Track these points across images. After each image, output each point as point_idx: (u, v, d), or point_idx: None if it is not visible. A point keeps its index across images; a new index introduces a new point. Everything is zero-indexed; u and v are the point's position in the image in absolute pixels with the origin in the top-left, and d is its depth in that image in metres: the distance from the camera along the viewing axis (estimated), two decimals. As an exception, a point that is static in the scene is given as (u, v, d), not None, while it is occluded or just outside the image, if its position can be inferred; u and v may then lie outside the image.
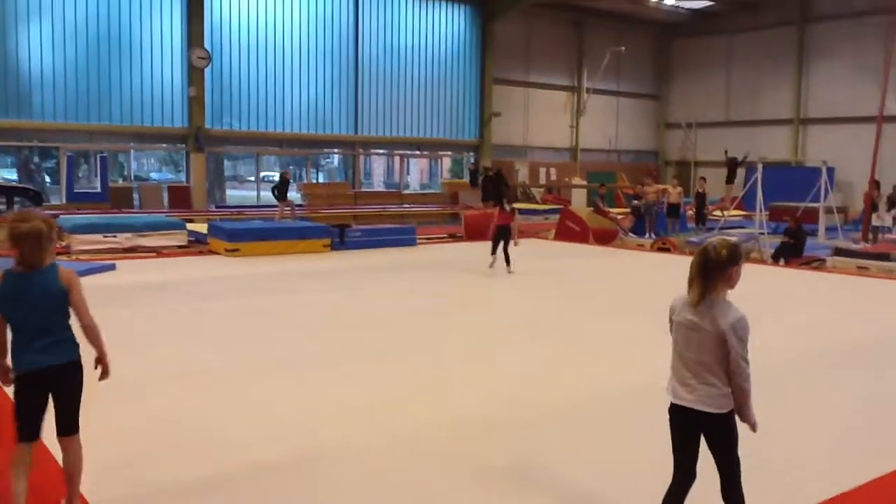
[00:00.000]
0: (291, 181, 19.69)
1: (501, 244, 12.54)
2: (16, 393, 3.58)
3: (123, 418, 5.26)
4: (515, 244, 12.68)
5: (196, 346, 7.47)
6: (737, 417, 3.28)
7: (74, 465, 3.66)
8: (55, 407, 3.59)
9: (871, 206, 17.80)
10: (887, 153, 24.07)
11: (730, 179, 23.61)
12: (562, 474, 4.51)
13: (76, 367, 3.60)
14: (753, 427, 3.30)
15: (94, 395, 5.74)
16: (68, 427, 3.61)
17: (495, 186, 24.50)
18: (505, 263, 12.47)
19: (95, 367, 3.70)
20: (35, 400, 3.56)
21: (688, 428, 3.30)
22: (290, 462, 4.58)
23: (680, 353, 3.29)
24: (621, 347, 7.81)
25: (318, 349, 7.42)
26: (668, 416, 3.38)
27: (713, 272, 3.19)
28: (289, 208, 17.90)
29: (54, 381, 3.55)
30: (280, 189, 17.66)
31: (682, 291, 3.31)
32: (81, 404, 3.68)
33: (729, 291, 3.25)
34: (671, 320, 3.36)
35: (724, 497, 3.33)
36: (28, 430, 3.56)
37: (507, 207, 12.62)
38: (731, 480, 3.29)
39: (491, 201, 23.87)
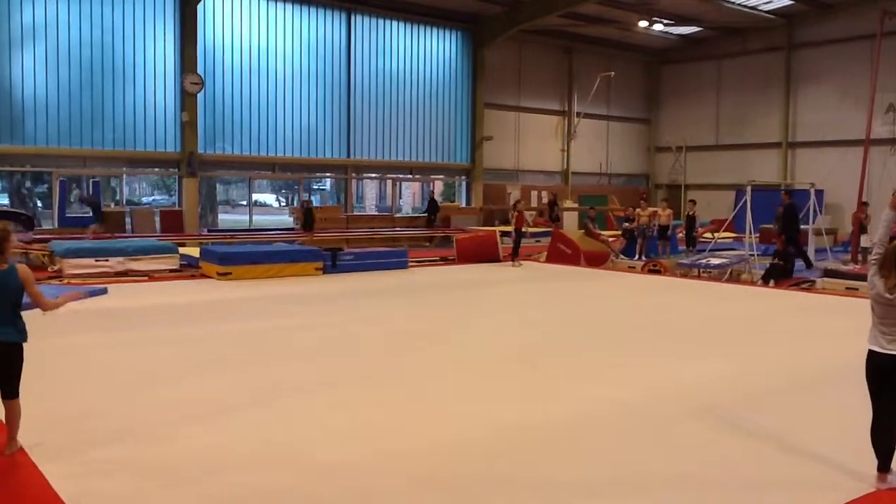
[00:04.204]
0: (286, 205, 19.47)
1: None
2: None
3: (119, 446, 5.25)
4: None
5: (187, 371, 7.45)
6: None
7: (15, 420, 4.87)
8: (1, 375, 4.78)
9: (860, 227, 17.94)
10: (875, 175, 24.30)
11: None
12: (558, 497, 4.52)
13: (20, 349, 4.82)
14: None
15: (93, 434, 5.74)
16: (10, 393, 4.85)
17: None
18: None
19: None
20: None
21: (886, 369, 4.56)
22: (283, 486, 4.58)
23: (880, 318, 4.61)
24: (614, 368, 7.82)
25: (310, 373, 7.42)
26: (864, 365, 4.70)
27: None
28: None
29: (3, 354, 4.74)
30: (306, 220, 17.26)
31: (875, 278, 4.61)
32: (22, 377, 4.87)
33: None
34: (871, 296, 4.63)
35: None
36: None
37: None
38: None
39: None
